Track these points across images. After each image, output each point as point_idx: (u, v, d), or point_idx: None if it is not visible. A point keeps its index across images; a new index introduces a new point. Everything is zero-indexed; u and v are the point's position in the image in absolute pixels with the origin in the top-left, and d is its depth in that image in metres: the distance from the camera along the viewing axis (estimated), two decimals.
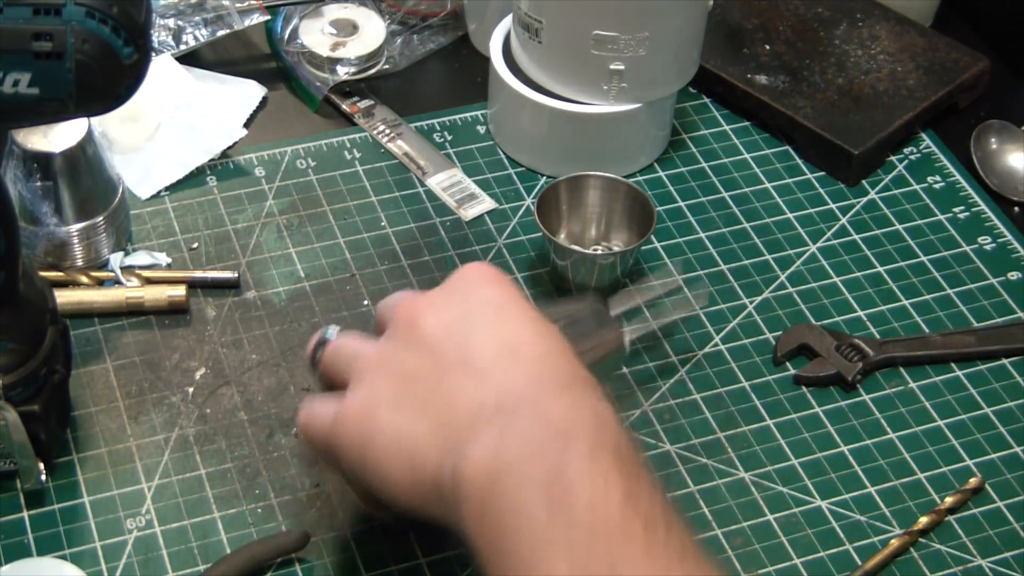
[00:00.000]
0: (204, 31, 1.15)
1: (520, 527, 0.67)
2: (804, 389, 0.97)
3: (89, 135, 0.96)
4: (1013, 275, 1.06)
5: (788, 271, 1.05)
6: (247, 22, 1.15)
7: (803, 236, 1.07)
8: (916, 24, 1.20)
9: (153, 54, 0.98)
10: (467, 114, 1.15)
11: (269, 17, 1.16)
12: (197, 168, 1.08)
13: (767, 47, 1.17)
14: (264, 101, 1.14)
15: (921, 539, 0.89)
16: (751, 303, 1.02)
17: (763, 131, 1.15)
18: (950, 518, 0.90)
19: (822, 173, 1.12)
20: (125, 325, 0.98)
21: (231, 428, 0.93)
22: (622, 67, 1.04)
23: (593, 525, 0.65)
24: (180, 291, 0.98)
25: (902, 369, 0.99)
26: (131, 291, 0.98)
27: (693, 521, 0.89)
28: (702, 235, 1.07)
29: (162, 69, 1.11)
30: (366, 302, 1.01)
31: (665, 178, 1.11)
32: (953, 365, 0.99)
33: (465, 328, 0.75)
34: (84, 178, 0.97)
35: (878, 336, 1.01)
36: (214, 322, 0.98)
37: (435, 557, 0.87)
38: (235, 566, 0.84)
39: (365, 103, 1.15)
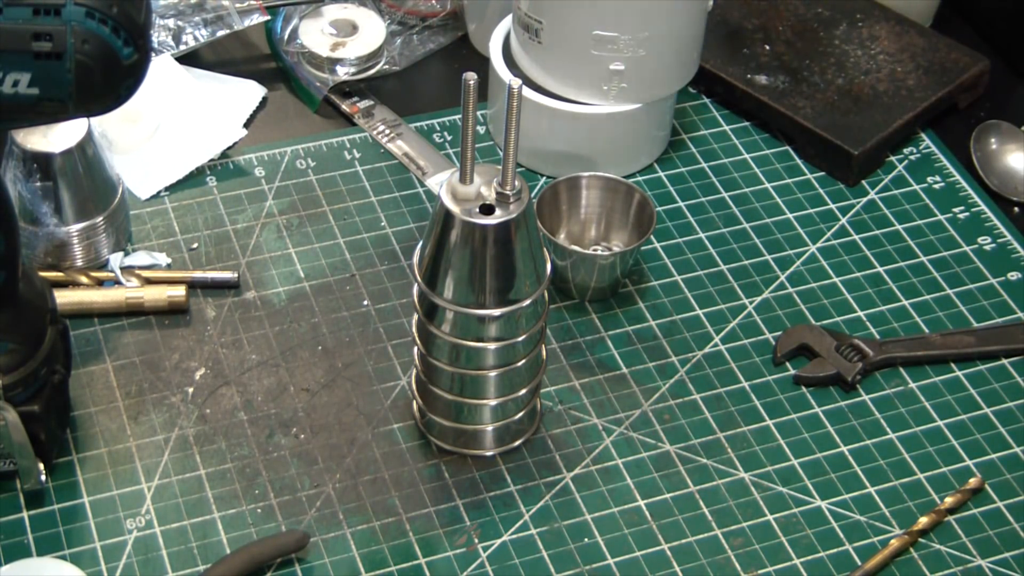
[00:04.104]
0: (204, 31, 1.15)
1: None
2: (804, 389, 0.97)
3: (89, 135, 0.96)
4: (1013, 275, 1.06)
5: (788, 271, 1.05)
6: (247, 22, 1.15)
7: (803, 236, 1.07)
8: (916, 24, 1.20)
9: (153, 54, 0.99)
10: None
11: (269, 17, 1.16)
12: (197, 168, 1.08)
13: (767, 47, 1.17)
14: (264, 101, 1.14)
15: (921, 539, 0.89)
16: (751, 303, 1.02)
17: (763, 131, 1.15)
18: (950, 518, 0.90)
19: (822, 173, 1.12)
20: (125, 325, 0.98)
21: (231, 428, 0.93)
22: (622, 67, 1.04)
23: None
24: (180, 291, 0.98)
25: (902, 369, 0.99)
26: (131, 291, 0.98)
27: (693, 521, 0.89)
28: (702, 235, 1.07)
29: (162, 69, 1.11)
30: (366, 302, 1.01)
31: (665, 178, 1.11)
32: (953, 365, 0.99)
33: None
34: (84, 178, 0.97)
35: (878, 336, 1.01)
36: (214, 322, 0.98)
37: (435, 557, 0.87)
38: (235, 566, 0.84)
39: (365, 103, 1.15)
